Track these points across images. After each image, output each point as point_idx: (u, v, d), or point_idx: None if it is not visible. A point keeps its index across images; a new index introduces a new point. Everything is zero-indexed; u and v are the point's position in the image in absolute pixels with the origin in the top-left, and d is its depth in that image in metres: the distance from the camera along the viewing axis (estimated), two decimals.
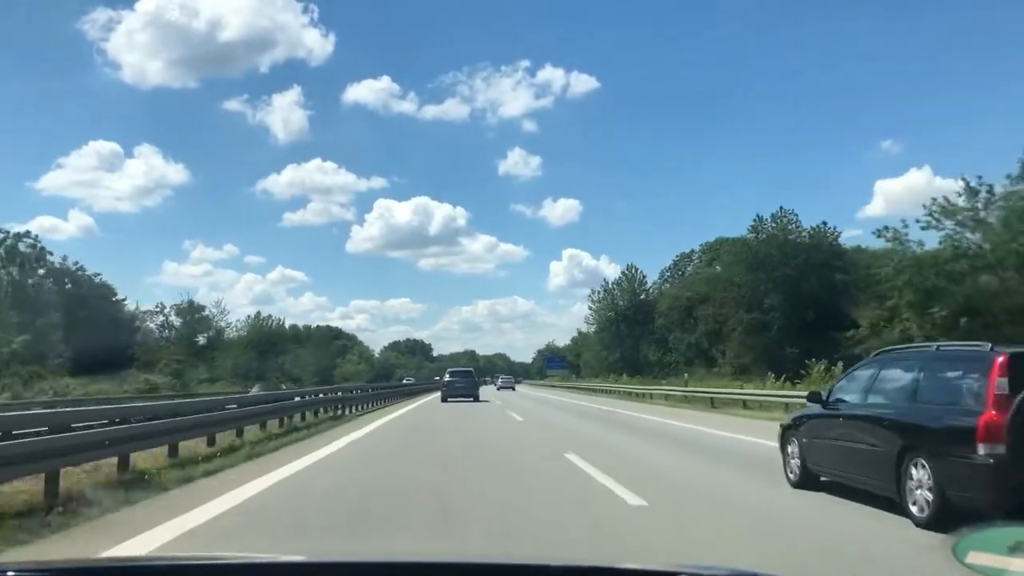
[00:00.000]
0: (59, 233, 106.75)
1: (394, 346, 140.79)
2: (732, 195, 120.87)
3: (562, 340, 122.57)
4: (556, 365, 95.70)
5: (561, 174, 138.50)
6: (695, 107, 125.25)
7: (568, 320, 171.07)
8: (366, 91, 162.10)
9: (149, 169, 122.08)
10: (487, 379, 73.48)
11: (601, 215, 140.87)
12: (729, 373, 45.69)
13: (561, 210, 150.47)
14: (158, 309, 78.88)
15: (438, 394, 35.61)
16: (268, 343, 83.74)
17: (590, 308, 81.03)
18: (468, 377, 35.93)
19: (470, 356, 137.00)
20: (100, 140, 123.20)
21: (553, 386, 74.02)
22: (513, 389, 61.28)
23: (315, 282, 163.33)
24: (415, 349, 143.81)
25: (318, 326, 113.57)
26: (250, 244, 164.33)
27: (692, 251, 75.54)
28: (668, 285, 75.01)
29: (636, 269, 78.21)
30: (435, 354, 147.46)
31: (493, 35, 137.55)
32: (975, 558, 1.63)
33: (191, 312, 79.84)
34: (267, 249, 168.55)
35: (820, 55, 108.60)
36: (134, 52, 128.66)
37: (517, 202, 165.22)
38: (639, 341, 70.10)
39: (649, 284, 77.87)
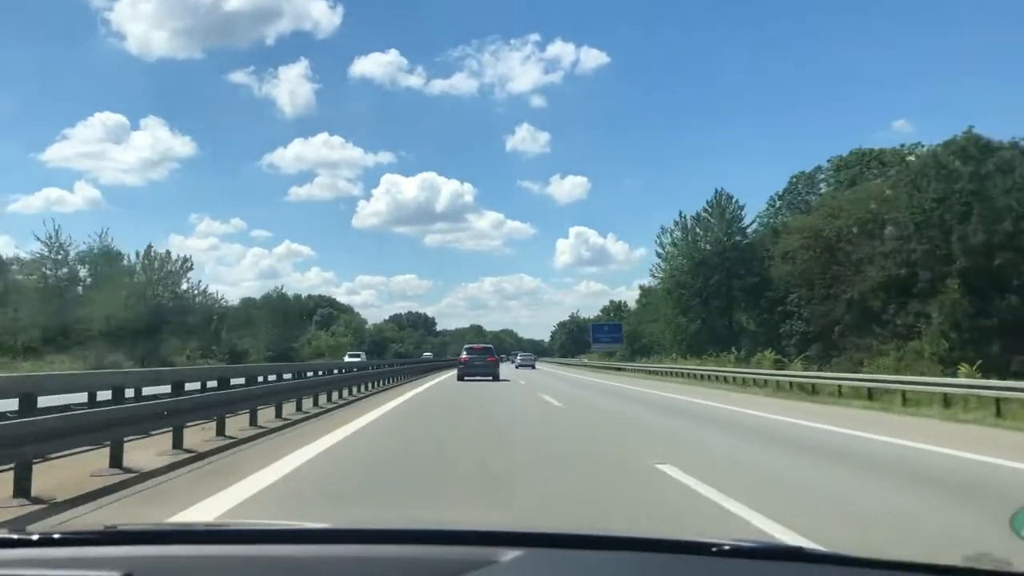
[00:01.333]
0: (66, 205, 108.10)
1: (395, 319, 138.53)
2: (743, 174, 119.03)
3: (590, 310, 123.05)
4: (606, 336, 68.72)
5: (569, 151, 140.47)
6: (705, 84, 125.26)
7: (573, 299, 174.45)
8: (373, 65, 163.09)
9: (155, 141, 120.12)
10: (502, 356, 70.15)
11: (609, 193, 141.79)
12: (934, 355, 29.49)
13: (569, 187, 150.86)
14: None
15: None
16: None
17: (659, 253, 57.39)
18: (487, 354, 33.03)
19: (477, 331, 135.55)
20: (106, 112, 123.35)
21: (589, 366, 62.86)
22: (533, 367, 58.06)
23: (321, 257, 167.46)
24: (417, 323, 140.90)
25: (295, 295, 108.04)
26: (257, 218, 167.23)
27: (818, 168, 55.54)
28: (781, 219, 53.79)
29: (729, 197, 53.87)
30: (439, 328, 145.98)
31: (503, 8, 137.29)
32: None
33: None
34: (274, 223, 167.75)
35: (833, 34, 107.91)
36: (139, 22, 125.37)
37: (524, 178, 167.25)
38: (730, 304, 52.44)
39: (747, 222, 54.91)
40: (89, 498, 6.23)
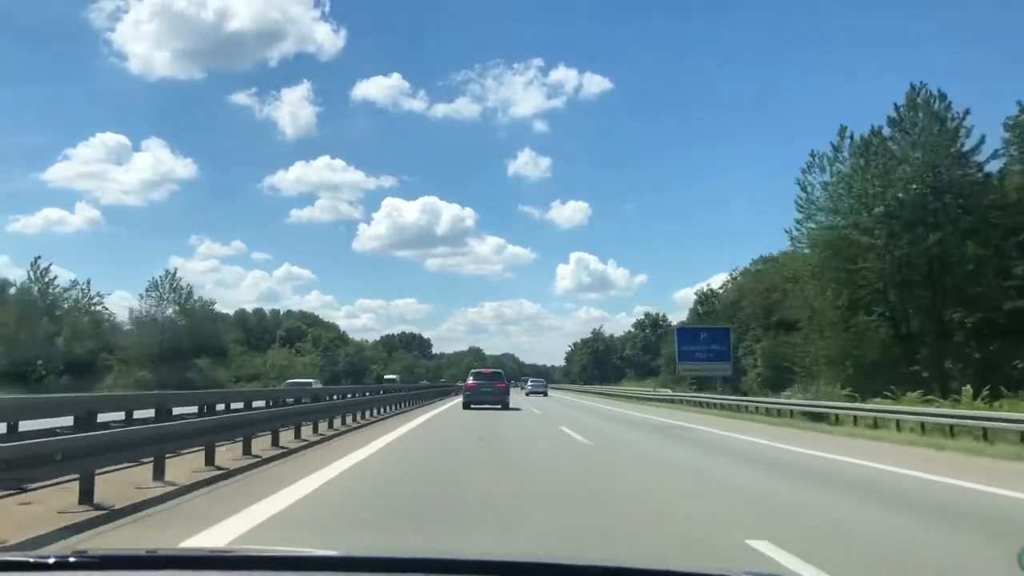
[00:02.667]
0: (66, 226, 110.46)
1: (386, 340, 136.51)
2: (745, 201, 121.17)
3: (573, 333, 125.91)
4: (703, 348, 40.70)
5: (570, 176, 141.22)
6: (708, 110, 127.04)
7: (574, 324, 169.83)
8: (376, 88, 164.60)
9: (156, 162, 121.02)
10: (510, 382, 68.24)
11: (610, 218, 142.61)
12: None
13: (570, 212, 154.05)
14: None
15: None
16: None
17: (800, 206, 35.48)
18: (496, 379, 30.98)
19: (475, 355, 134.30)
20: (108, 132, 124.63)
21: (642, 398, 48.32)
22: (545, 394, 55.79)
23: (321, 280, 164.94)
24: (411, 344, 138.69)
25: (256, 309, 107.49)
26: (257, 240, 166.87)
27: None
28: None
29: (943, 98, 31.85)
30: (435, 351, 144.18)
31: (506, 33, 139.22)
32: None
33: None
34: (274, 246, 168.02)
35: (837, 57, 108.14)
36: (141, 42, 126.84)
37: (525, 203, 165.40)
38: (941, 289, 30.69)
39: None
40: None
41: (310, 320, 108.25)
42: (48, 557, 1.59)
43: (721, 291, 64.76)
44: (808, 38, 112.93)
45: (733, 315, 52.93)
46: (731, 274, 62.33)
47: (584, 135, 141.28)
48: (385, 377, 78.60)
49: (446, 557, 1.75)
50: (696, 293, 71.46)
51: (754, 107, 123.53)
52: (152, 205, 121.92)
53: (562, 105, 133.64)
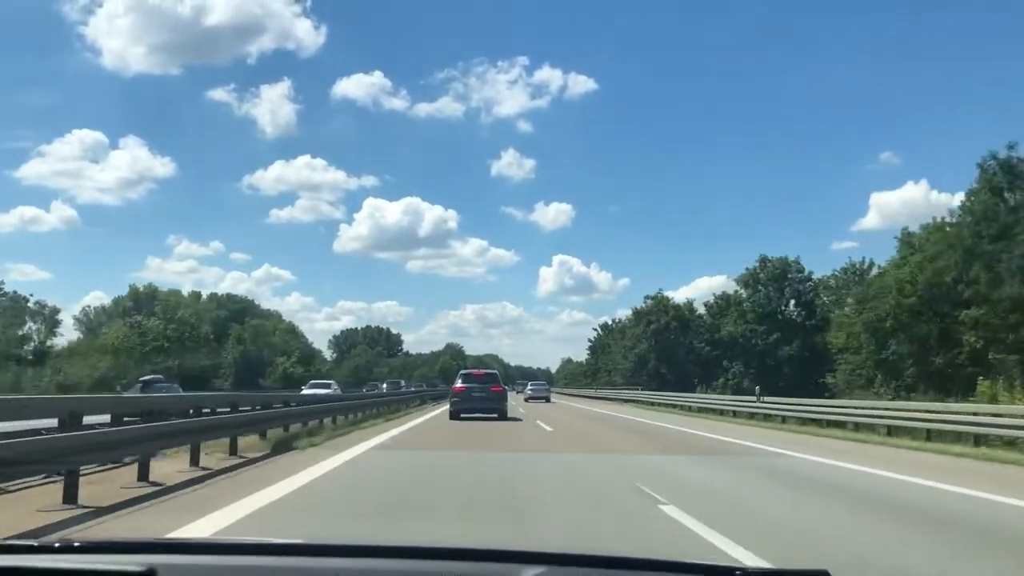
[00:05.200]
0: (41, 224, 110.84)
1: (348, 335, 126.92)
2: (731, 202, 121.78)
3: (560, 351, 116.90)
4: None
5: (554, 177, 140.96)
6: (693, 113, 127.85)
7: (556, 327, 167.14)
8: (357, 86, 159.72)
9: (133, 160, 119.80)
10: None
11: (593, 220, 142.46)
12: None
13: (553, 214, 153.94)
14: None
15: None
16: None
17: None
18: (491, 382, 26.08)
19: (455, 353, 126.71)
20: (85, 129, 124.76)
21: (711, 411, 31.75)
22: (547, 400, 50.05)
23: (301, 281, 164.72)
24: (376, 339, 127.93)
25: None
26: (236, 241, 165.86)
27: None
28: None
29: None
30: (408, 350, 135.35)
31: (489, 31, 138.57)
32: None
33: None
34: (253, 246, 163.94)
35: (821, 64, 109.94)
36: (115, 37, 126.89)
37: (508, 205, 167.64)
38: None
39: None
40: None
41: (240, 306, 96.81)
42: (31, 542, 1.75)
43: None
44: (794, 38, 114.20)
45: None
46: None
47: (568, 136, 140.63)
48: (311, 383, 45.45)
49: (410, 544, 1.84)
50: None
51: (738, 109, 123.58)
52: (129, 204, 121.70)
53: (546, 105, 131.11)
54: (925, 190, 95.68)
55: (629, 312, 79.15)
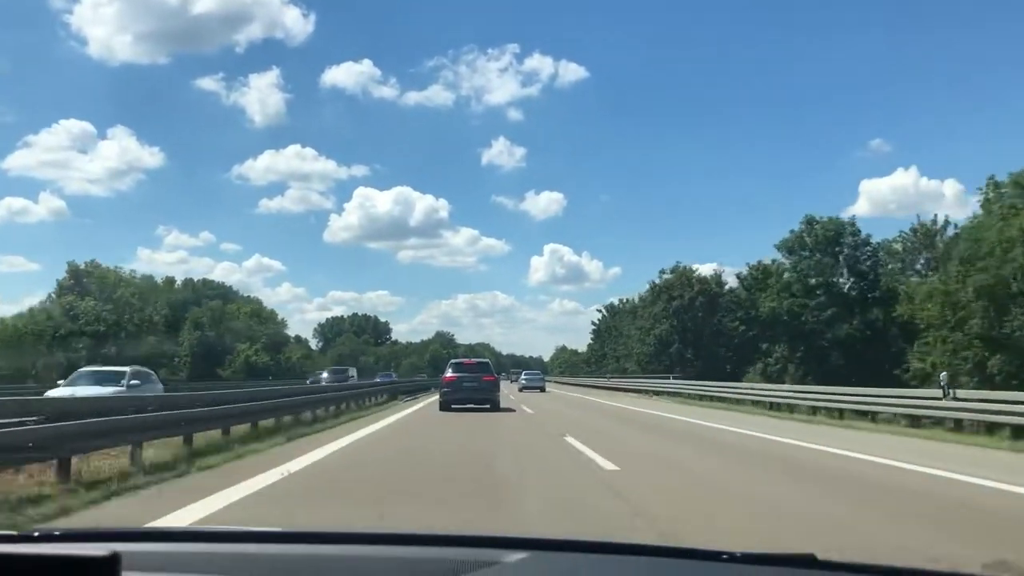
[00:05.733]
0: (30, 216, 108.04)
1: (333, 323, 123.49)
2: (721, 191, 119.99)
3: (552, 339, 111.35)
4: None
5: (545, 166, 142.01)
6: (684, 101, 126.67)
7: (548, 316, 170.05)
8: (346, 74, 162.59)
9: (122, 151, 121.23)
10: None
11: (585, 209, 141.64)
12: None
13: (544, 203, 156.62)
14: None
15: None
16: None
17: None
18: (483, 371, 24.31)
19: (445, 341, 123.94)
20: (72, 119, 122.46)
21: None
22: (542, 390, 47.88)
23: (292, 271, 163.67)
24: (363, 328, 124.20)
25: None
26: (226, 231, 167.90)
27: None
28: None
29: None
30: (397, 339, 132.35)
31: (480, 16, 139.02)
32: None
33: None
34: (243, 237, 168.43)
35: (812, 50, 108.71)
36: (101, 25, 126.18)
37: (499, 194, 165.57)
38: None
39: None
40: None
41: (218, 292, 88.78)
42: (10, 531, 1.74)
43: None
44: (783, 26, 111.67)
45: None
46: None
47: (559, 124, 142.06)
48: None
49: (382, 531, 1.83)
50: None
51: (729, 97, 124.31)
52: (118, 195, 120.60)
53: (537, 93, 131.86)
54: (915, 177, 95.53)
55: (643, 290, 68.92)
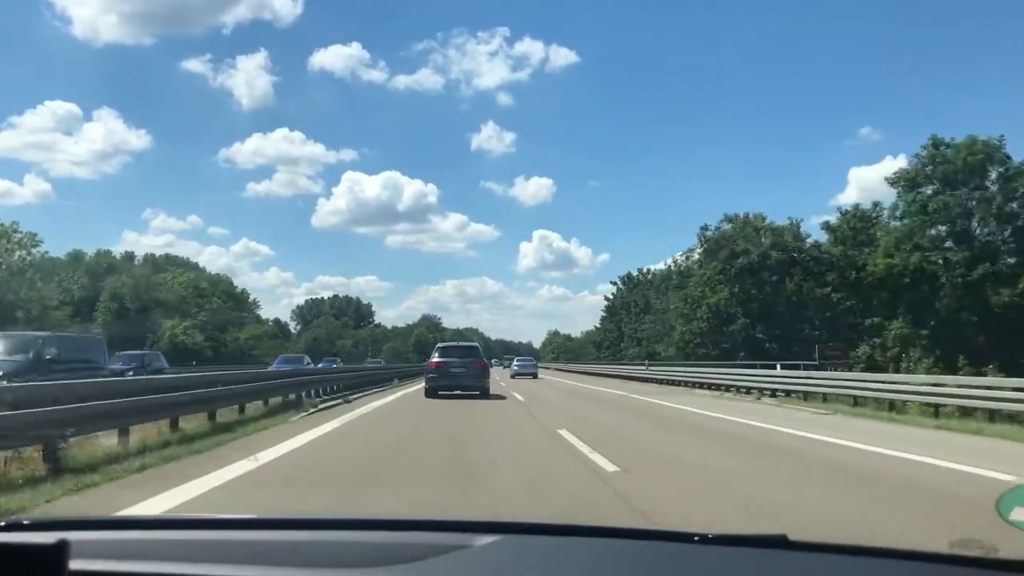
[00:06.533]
0: (15, 198, 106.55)
1: (313, 305, 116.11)
2: (710, 179, 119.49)
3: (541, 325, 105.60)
4: None
5: (535, 151, 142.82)
6: (675, 87, 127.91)
7: (536, 303, 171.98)
8: (334, 57, 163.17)
9: (108, 133, 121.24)
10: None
11: (574, 195, 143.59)
12: None
13: (533, 189, 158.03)
14: None
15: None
16: None
17: None
18: (471, 355, 23.08)
19: (431, 325, 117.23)
20: (57, 100, 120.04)
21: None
22: (535, 376, 45.02)
23: (280, 256, 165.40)
24: (344, 310, 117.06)
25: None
26: (213, 215, 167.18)
27: None
28: None
29: None
30: (379, 322, 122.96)
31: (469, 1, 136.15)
32: (1019, 514, 1.62)
33: None
34: (231, 220, 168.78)
35: (803, 38, 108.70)
36: (85, 5, 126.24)
37: (488, 179, 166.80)
38: None
39: None
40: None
41: (185, 270, 77.56)
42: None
43: None
44: (775, 13, 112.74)
45: None
46: None
47: (549, 109, 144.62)
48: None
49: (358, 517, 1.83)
50: None
51: (719, 84, 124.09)
52: (105, 177, 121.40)
53: (527, 78, 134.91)
54: (904, 165, 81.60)
55: (679, 253, 53.83)
